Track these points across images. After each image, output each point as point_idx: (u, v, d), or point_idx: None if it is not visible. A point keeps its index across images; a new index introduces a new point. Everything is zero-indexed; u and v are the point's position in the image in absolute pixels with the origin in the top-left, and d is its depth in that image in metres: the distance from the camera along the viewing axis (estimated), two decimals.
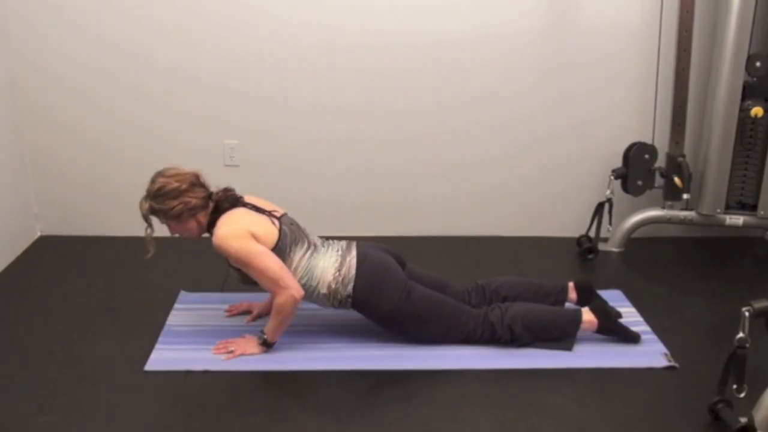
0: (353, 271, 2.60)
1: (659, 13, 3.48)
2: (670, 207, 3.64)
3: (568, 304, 2.88)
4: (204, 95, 3.56)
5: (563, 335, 2.69)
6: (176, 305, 2.99)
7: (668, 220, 3.66)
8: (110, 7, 3.42)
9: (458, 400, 2.40)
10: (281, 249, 2.56)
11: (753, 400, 2.17)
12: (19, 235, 3.55)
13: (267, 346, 2.62)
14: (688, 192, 3.50)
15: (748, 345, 2.18)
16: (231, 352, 2.61)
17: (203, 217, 2.61)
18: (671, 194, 3.58)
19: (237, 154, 3.66)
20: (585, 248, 3.60)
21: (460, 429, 2.26)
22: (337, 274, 2.60)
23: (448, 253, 3.64)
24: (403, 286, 2.62)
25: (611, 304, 2.80)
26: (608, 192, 3.58)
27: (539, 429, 2.27)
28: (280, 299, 2.52)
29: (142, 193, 2.58)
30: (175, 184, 2.55)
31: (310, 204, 3.68)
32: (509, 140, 3.72)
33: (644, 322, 2.89)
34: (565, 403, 2.39)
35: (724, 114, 3.43)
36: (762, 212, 3.54)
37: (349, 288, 2.60)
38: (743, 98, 3.42)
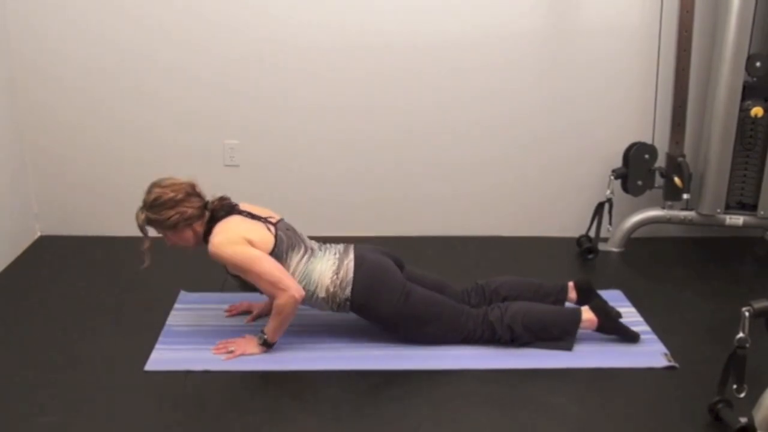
0: (351, 275, 2.60)
1: (659, 13, 3.48)
2: (670, 207, 3.64)
3: (568, 304, 2.88)
4: (204, 95, 3.56)
5: (563, 334, 2.68)
6: (176, 305, 2.99)
7: (668, 220, 3.66)
8: (110, 7, 3.42)
9: (458, 400, 2.40)
10: (278, 255, 2.56)
11: (753, 400, 2.17)
12: (19, 235, 3.55)
13: (267, 346, 2.62)
14: (688, 192, 3.50)
15: (748, 345, 2.18)
16: (231, 352, 2.61)
17: (199, 227, 2.62)
18: (671, 194, 3.58)
19: (237, 154, 3.66)
20: (585, 248, 3.60)
21: (460, 429, 2.26)
22: (335, 277, 2.60)
23: (448, 253, 3.63)
24: (401, 288, 2.62)
25: (611, 304, 2.80)
26: (608, 192, 3.58)
27: (539, 429, 2.27)
28: (281, 300, 2.52)
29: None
30: (171, 194, 2.55)
31: (310, 204, 3.68)
32: (509, 140, 3.72)
33: (644, 322, 2.89)
34: (565, 403, 2.39)
35: (724, 114, 3.43)
36: (762, 212, 3.54)
37: (348, 291, 2.60)
38: (743, 98, 3.41)
